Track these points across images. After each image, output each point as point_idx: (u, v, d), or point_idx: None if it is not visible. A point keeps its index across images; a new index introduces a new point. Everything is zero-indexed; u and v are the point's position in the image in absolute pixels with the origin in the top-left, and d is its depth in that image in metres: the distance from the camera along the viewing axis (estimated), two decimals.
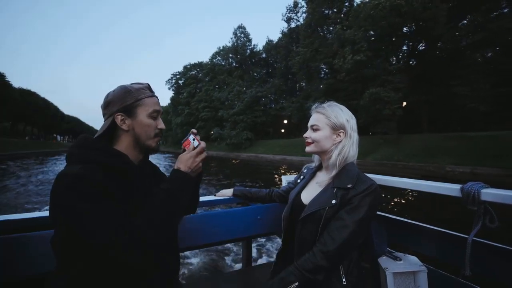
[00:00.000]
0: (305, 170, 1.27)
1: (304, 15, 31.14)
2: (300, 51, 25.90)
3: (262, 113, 36.16)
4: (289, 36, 35.91)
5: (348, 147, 1.04)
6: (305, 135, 1.11)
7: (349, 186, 0.95)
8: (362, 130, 21.55)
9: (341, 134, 1.06)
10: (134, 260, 0.67)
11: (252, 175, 15.16)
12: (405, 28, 16.72)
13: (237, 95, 37.36)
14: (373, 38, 17.11)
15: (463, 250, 0.93)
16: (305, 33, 27.21)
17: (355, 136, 1.07)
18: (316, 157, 1.19)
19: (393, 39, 17.00)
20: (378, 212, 1.30)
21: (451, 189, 1.00)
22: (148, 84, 0.90)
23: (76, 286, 0.70)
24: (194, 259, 3.66)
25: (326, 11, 26.28)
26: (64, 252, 0.71)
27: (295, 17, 35.61)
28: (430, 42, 16.70)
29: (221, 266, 3.51)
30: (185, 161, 0.84)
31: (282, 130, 36.28)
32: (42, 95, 50.45)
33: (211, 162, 24.76)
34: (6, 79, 35.09)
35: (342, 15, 24.51)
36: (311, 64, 23.83)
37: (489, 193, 0.89)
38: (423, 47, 17.98)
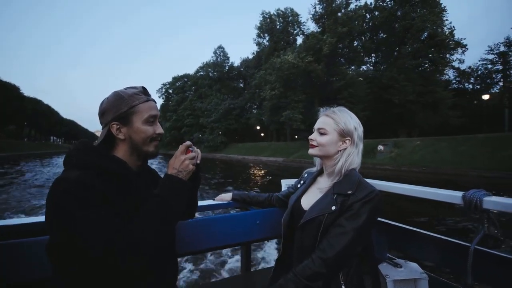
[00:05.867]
0: (306, 175, 1.23)
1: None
2: (256, 75, 34.24)
3: (234, 121, 44.07)
4: (258, 58, 44.09)
5: (353, 155, 1.02)
6: (310, 137, 1.08)
7: (349, 192, 0.93)
8: (291, 136, 31.88)
9: (347, 141, 1.03)
10: (131, 267, 0.67)
11: (217, 167, 22.97)
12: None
13: (214, 106, 45.24)
14: (282, 81, 25.95)
15: (465, 258, 0.91)
16: (265, 59, 35.62)
17: (360, 145, 1.05)
18: (317, 161, 1.15)
19: (294, 82, 25.78)
20: (379, 218, 1.28)
21: (452, 196, 0.98)
22: (143, 88, 0.88)
23: None
24: (192, 265, 3.62)
25: (275, 46, 34.95)
26: (60, 258, 0.70)
27: (263, 42, 43.89)
28: (318, 84, 25.43)
29: (220, 272, 3.49)
30: (172, 163, 0.84)
31: (262, 134, 44.19)
32: (41, 97, 57.58)
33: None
34: (21, 91, 42.37)
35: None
36: (263, 87, 32.09)
37: (492, 201, 0.86)
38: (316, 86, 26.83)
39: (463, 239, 1.01)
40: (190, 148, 0.88)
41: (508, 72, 22.18)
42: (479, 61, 24.45)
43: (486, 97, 21.44)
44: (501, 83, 23.04)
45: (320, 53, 23.42)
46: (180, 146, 0.87)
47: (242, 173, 18.33)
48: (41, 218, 1.01)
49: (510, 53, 21.69)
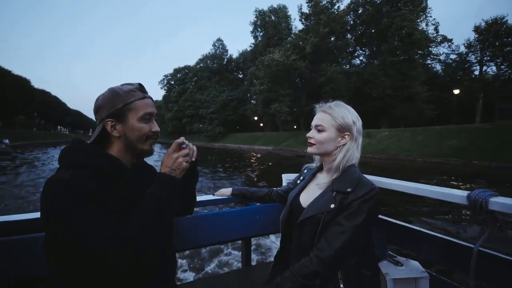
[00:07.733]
0: (305, 171, 1.23)
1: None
2: (251, 69, 36.35)
3: (232, 112, 46.39)
4: (253, 52, 45.81)
5: (352, 150, 1.00)
6: (308, 134, 1.06)
7: (349, 190, 0.92)
8: (282, 126, 34.74)
9: (346, 136, 1.01)
10: (128, 266, 0.67)
11: (211, 154, 25.62)
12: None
13: (213, 97, 47.50)
14: (270, 77, 28.34)
15: (468, 259, 0.90)
16: (259, 54, 37.58)
17: (360, 139, 1.03)
18: (317, 157, 1.15)
19: (281, 77, 28.01)
20: (380, 216, 1.28)
21: (457, 196, 0.96)
22: (140, 85, 0.87)
23: None
24: (192, 259, 3.66)
25: (268, 42, 36.95)
26: (59, 258, 0.70)
27: (259, 35, 45.47)
28: (303, 79, 27.63)
29: (219, 266, 3.53)
30: (165, 162, 0.83)
31: (261, 124, 46.47)
32: (48, 87, 60.80)
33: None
34: (31, 84, 45.12)
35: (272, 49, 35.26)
36: (255, 81, 34.30)
37: (498, 203, 0.83)
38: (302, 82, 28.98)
39: (467, 241, 1.00)
40: (183, 145, 0.86)
41: (469, 70, 24.19)
42: (443, 59, 26.63)
43: (456, 91, 23.45)
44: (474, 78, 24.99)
45: (304, 52, 25.50)
46: (173, 143, 0.85)
47: (231, 158, 20.89)
48: (38, 214, 0.97)
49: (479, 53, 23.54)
